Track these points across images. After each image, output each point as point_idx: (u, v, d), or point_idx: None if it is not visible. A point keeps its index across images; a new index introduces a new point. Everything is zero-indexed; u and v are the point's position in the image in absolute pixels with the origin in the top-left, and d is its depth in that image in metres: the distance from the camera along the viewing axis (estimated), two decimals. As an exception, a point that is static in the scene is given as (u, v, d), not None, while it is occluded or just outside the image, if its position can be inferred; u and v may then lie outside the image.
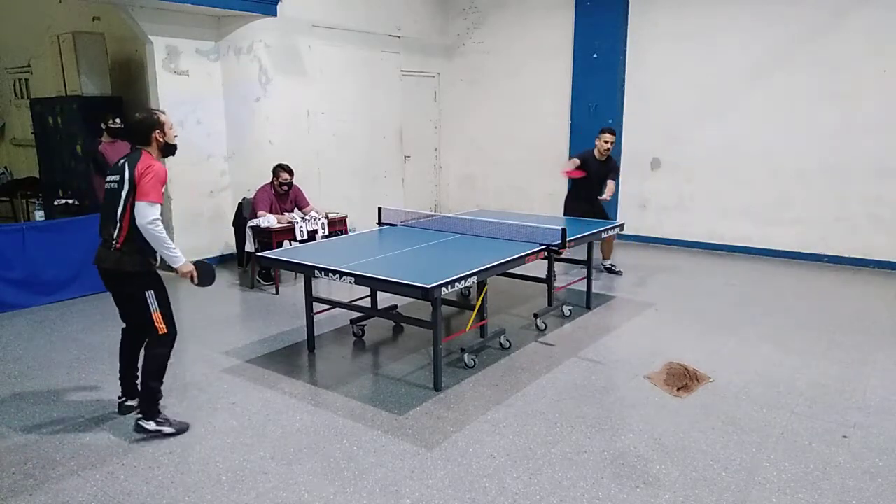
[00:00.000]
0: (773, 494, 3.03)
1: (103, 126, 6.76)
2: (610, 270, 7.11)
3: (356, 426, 3.71)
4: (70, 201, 7.42)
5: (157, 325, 3.53)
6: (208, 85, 7.39)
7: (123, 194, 3.40)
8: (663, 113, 8.39)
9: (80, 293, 6.28)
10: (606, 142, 6.72)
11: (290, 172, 6.70)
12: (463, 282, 4.03)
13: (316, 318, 4.97)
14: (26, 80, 9.77)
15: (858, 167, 7.22)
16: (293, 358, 4.79)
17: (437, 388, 4.17)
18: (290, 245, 6.26)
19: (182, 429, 3.65)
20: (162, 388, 3.61)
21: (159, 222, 3.39)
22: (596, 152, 6.76)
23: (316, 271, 4.33)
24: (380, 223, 6.02)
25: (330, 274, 4.21)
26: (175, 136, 3.63)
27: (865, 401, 3.99)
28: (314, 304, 4.88)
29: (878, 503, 2.97)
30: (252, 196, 6.83)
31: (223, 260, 7.70)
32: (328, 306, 5.02)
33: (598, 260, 6.91)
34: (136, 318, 3.65)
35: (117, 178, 3.44)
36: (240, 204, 7.14)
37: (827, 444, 3.48)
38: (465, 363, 4.53)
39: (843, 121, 7.22)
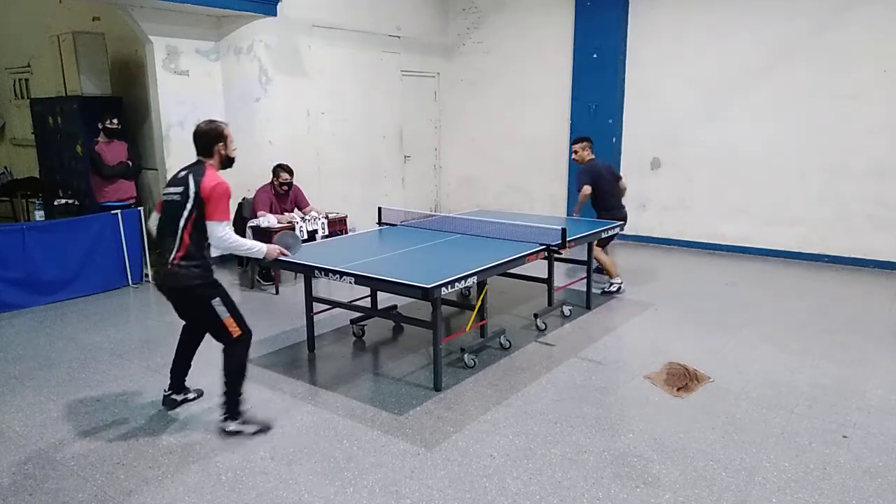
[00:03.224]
0: (773, 494, 3.03)
1: (100, 126, 6.85)
2: (605, 288, 6.34)
3: (356, 426, 3.71)
4: (70, 201, 7.43)
5: (230, 329, 3.51)
6: (208, 85, 7.38)
7: (186, 211, 3.37)
8: (663, 113, 8.39)
9: (80, 293, 6.28)
10: (573, 153, 6.56)
11: (290, 172, 6.70)
12: (463, 282, 4.03)
13: (316, 318, 4.97)
14: (26, 80, 9.77)
15: (858, 167, 7.22)
16: (293, 358, 4.79)
17: (437, 388, 4.17)
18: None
19: (265, 427, 3.64)
20: (243, 388, 3.61)
21: (230, 233, 3.42)
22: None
23: (316, 271, 4.32)
24: (380, 223, 6.02)
25: (330, 274, 4.21)
26: (234, 150, 3.60)
27: (865, 401, 3.99)
28: (314, 304, 4.88)
29: (878, 503, 2.97)
30: (252, 196, 6.83)
31: (223, 260, 7.69)
32: (328, 306, 5.02)
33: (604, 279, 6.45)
34: (206, 329, 3.65)
35: (180, 190, 3.40)
36: (240, 204, 7.13)
37: (827, 444, 3.48)
38: (465, 363, 4.53)
39: (844, 121, 7.22)
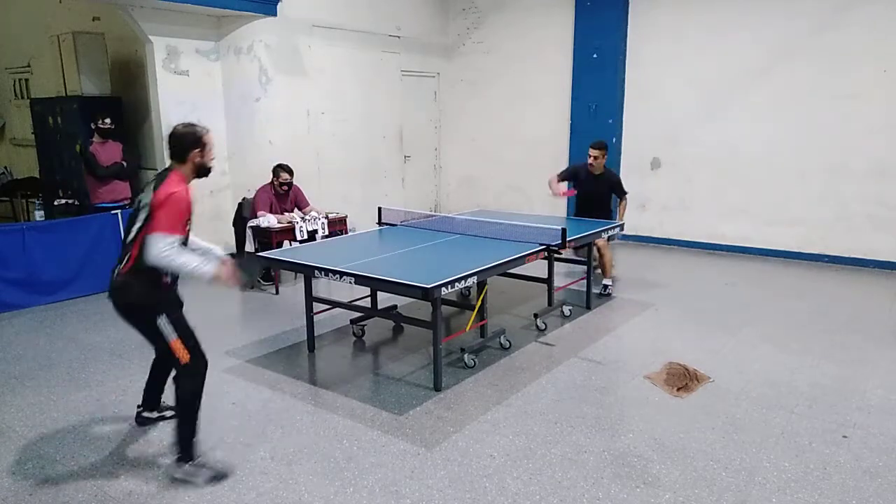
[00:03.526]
0: (773, 494, 3.03)
1: (93, 126, 6.77)
2: (602, 291, 6.30)
3: (356, 426, 3.71)
4: (70, 201, 7.43)
5: (177, 354, 3.14)
6: (208, 85, 7.39)
7: (139, 221, 3.06)
8: (663, 113, 8.39)
9: (80, 293, 6.28)
10: (589, 156, 6.33)
11: (290, 172, 6.70)
12: (463, 282, 4.02)
13: (316, 318, 4.97)
14: (26, 80, 9.78)
15: (858, 167, 7.22)
16: (293, 358, 4.79)
17: (437, 388, 4.17)
18: (290, 245, 6.26)
19: (221, 474, 3.18)
20: (197, 425, 3.19)
21: (173, 250, 2.98)
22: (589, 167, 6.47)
23: (316, 271, 4.33)
24: (380, 223, 6.02)
25: (330, 274, 4.21)
26: (213, 159, 3.27)
27: (865, 401, 3.99)
28: (314, 304, 4.88)
29: (878, 503, 2.97)
30: (252, 196, 6.83)
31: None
32: (328, 306, 5.02)
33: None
34: (158, 346, 3.33)
35: (140, 197, 3.13)
36: (240, 204, 7.14)
37: (827, 444, 3.48)
38: (465, 363, 4.53)
39: (844, 121, 7.22)
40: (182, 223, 3.05)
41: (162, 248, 2.96)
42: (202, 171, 3.23)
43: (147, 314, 3.15)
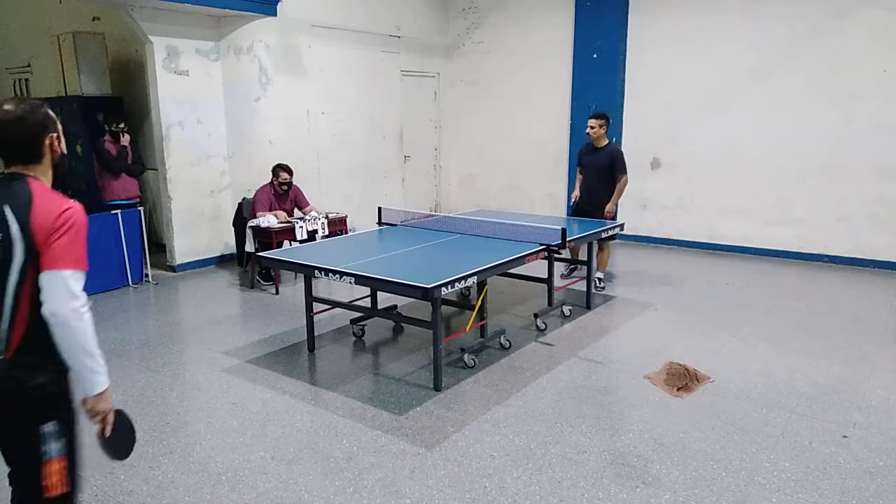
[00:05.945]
0: (773, 494, 3.03)
1: (107, 128, 6.91)
2: (595, 284, 6.29)
3: (356, 426, 3.71)
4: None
5: (48, 480, 1.96)
6: (208, 85, 7.39)
7: (14, 271, 1.88)
8: (663, 113, 8.38)
9: (80, 293, 6.27)
10: (587, 126, 6.30)
11: (290, 172, 6.71)
12: (463, 282, 4.03)
13: (316, 318, 4.97)
14: (26, 80, 9.78)
15: (858, 167, 7.22)
16: (293, 358, 4.79)
17: (437, 388, 4.17)
18: (290, 245, 6.27)
19: None
20: None
21: (84, 302, 1.91)
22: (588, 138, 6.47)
23: (316, 271, 4.33)
24: (380, 223, 6.02)
25: (330, 274, 4.21)
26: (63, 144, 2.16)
27: (865, 401, 3.99)
28: (314, 304, 4.88)
29: (878, 503, 2.97)
30: (252, 196, 6.83)
31: (223, 260, 7.70)
32: (328, 306, 5.02)
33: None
34: (18, 468, 2.05)
35: None
36: (240, 204, 7.14)
37: (827, 444, 3.48)
38: (465, 363, 4.53)
39: (844, 121, 7.22)
40: (85, 253, 1.96)
41: (76, 293, 1.88)
42: (60, 166, 2.15)
43: (39, 414, 1.98)
